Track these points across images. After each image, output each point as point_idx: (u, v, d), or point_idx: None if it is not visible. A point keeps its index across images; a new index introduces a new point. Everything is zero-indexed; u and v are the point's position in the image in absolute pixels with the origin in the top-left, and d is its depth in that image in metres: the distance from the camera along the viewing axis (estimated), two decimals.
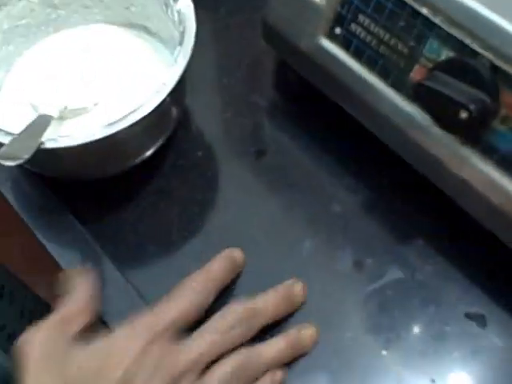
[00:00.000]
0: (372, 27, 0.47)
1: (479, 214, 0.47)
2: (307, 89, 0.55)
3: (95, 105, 0.54)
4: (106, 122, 0.46)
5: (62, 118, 0.53)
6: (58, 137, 0.46)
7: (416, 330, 0.48)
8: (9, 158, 0.44)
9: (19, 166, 0.47)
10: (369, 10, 0.47)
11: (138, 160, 0.54)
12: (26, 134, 0.47)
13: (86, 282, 0.47)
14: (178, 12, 0.52)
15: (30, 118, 0.52)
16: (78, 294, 0.46)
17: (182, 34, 0.50)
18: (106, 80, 0.56)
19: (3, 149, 0.45)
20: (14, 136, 0.46)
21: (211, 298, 0.47)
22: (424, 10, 0.44)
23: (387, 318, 0.49)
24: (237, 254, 0.50)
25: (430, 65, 0.45)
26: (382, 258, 0.51)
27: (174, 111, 0.53)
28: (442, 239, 0.51)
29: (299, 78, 0.55)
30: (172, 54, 0.51)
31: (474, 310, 0.49)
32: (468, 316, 0.48)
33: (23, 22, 0.56)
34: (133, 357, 0.42)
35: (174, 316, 0.44)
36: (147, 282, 0.51)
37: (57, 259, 0.51)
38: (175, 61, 0.49)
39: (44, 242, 0.52)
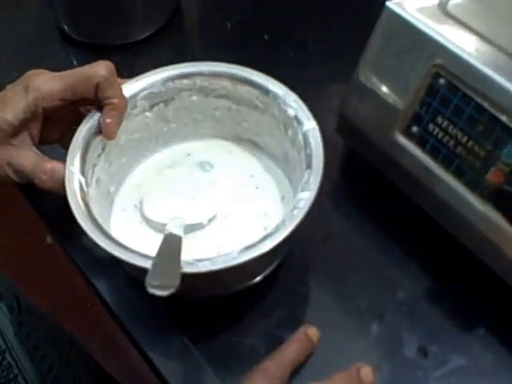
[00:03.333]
0: (450, 129, 0.50)
1: None
2: (375, 177, 0.58)
3: (210, 220, 0.55)
4: (240, 246, 0.46)
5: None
6: (195, 261, 0.46)
7: None
8: (158, 287, 0.43)
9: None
10: (447, 113, 0.50)
11: (258, 279, 0.54)
12: (165, 258, 0.47)
13: None
14: (304, 134, 0.52)
15: (144, 232, 0.54)
16: None
17: (309, 156, 0.51)
18: (218, 194, 0.57)
19: (150, 276, 0.44)
20: (154, 260, 0.46)
21: (287, 380, 0.49)
22: (503, 118, 0.47)
23: None
24: (312, 332, 0.51)
25: (507, 169, 0.47)
26: (445, 345, 0.53)
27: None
28: (503, 329, 0.54)
29: (367, 166, 0.58)
30: (282, 170, 0.56)
31: None
32: None
33: (137, 135, 0.58)
34: None
35: None
36: None
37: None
38: (306, 183, 0.49)
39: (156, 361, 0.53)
